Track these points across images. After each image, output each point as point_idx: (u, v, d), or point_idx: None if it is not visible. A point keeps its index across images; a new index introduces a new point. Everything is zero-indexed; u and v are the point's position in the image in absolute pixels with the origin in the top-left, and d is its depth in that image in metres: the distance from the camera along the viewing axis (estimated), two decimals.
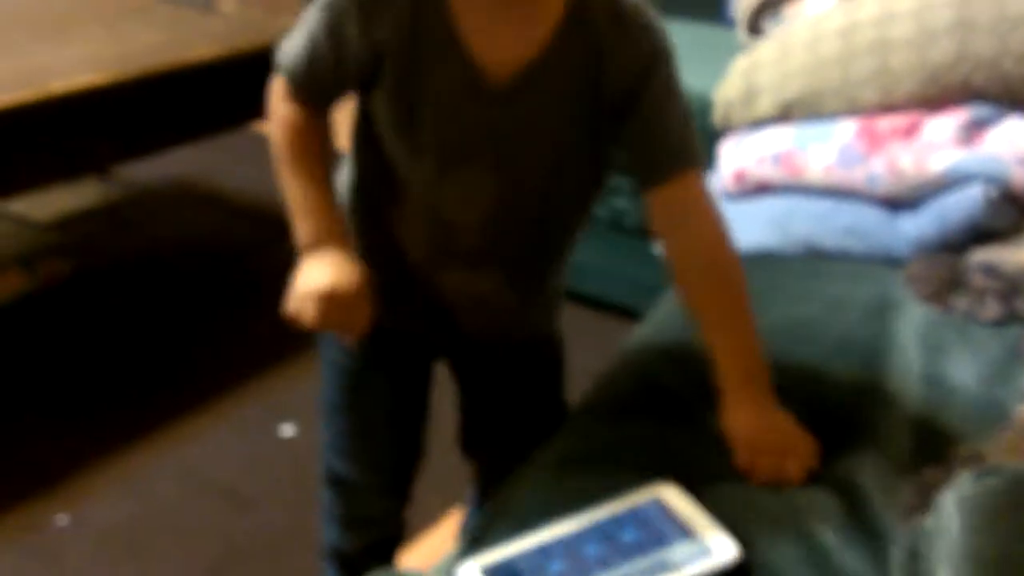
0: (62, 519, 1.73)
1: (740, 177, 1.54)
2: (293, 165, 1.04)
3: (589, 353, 1.37)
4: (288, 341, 2.17)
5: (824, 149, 1.45)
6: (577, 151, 1.02)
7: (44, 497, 1.77)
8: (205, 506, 1.78)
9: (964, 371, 1.16)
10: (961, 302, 1.28)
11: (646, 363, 1.22)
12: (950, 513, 0.76)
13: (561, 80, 0.97)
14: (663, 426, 1.09)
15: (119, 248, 2.46)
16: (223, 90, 2.16)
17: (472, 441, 1.30)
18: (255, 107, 2.24)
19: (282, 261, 2.58)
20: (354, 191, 1.11)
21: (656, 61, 0.98)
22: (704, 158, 1.05)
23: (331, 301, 0.98)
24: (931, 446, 1.05)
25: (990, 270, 1.29)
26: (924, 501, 0.96)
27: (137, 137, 2.06)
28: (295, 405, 2.02)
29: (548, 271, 1.14)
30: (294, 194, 1.04)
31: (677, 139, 1.01)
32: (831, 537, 0.95)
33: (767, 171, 1.51)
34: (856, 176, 1.41)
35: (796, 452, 1.02)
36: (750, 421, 1.02)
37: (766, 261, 1.46)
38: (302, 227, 1.03)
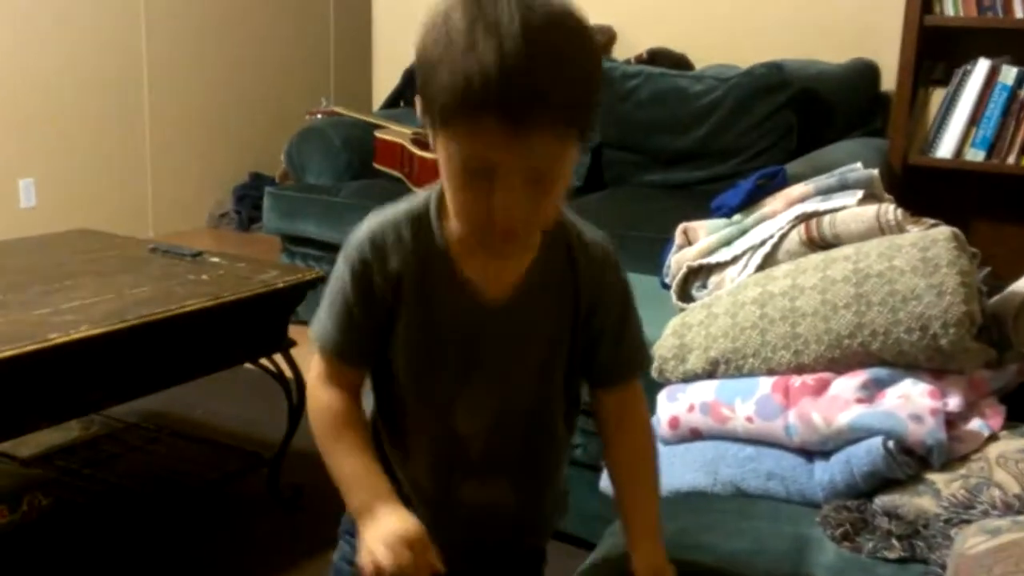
0: None
1: (674, 423, 1.72)
2: (339, 442, 1.17)
3: None
4: (253, 569, 2.29)
5: (745, 402, 1.64)
6: (562, 353, 1.22)
7: None
8: None
9: None
10: (869, 543, 1.44)
11: None
12: None
13: (544, 294, 1.18)
14: None
15: (99, 480, 2.56)
16: (209, 337, 2.34)
17: None
18: (237, 353, 2.46)
19: (255, 491, 2.69)
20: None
21: (618, 276, 1.22)
22: (648, 360, 1.34)
23: (403, 544, 1.06)
24: None
25: (893, 515, 1.46)
26: None
27: (127, 383, 2.21)
28: None
29: (547, 474, 1.31)
30: (343, 467, 1.16)
31: (634, 348, 1.25)
32: None
33: (697, 420, 1.70)
34: (775, 427, 1.60)
35: None
36: (656, 558, 1.22)
37: (699, 500, 1.63)
38: (356, 495, 1.14)
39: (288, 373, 2.57)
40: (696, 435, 1.71)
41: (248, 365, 2.57)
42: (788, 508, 1.56)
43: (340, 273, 1.17)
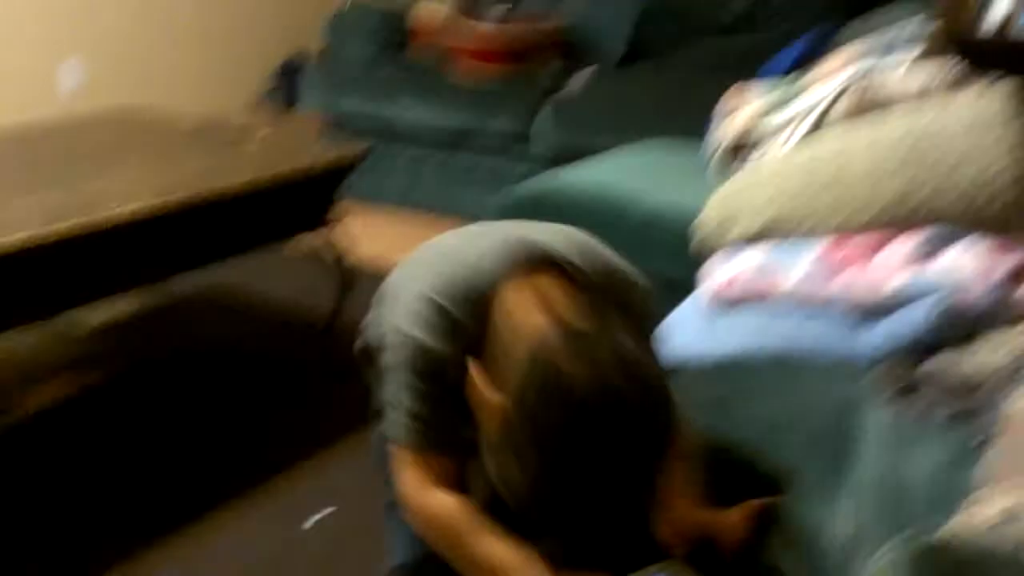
0: None
1: (719, 293, 1.72)
2: (472, 539, 1.11)
3: None
4: (313, 435, 2.35)
5: (794, 268, 1.63)
6: None
7: None
8: None
9: (921, 466, 1.31)
10: (916, 405, 1.44)
11: None
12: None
13: None
14: None
15: (154, 353, 2.63)
16: (260, 211, 2.36)
17: None
18: (289, 225, 2.47)
19: (302, 360, 2.75)
20: None
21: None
22: None
23: None
24: (891, 528, 1.21)
25: (942, 378, 1.46)
26: None
27: (179, 257, 2.25)
28: (325, 496, 2.14)
29: None
30: (488, 562, 1.10)
31: None
32: None
33: (742, 288, 1.69)
34: (823, 292, 1.59)
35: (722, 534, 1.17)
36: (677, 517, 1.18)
37: (742, 366, 1.64)
38: None
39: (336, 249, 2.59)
40: (741, 303, 1.71)
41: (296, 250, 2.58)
42: (834, 373, 1.57)
43: (399, 368, 1.13)
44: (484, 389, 1.04)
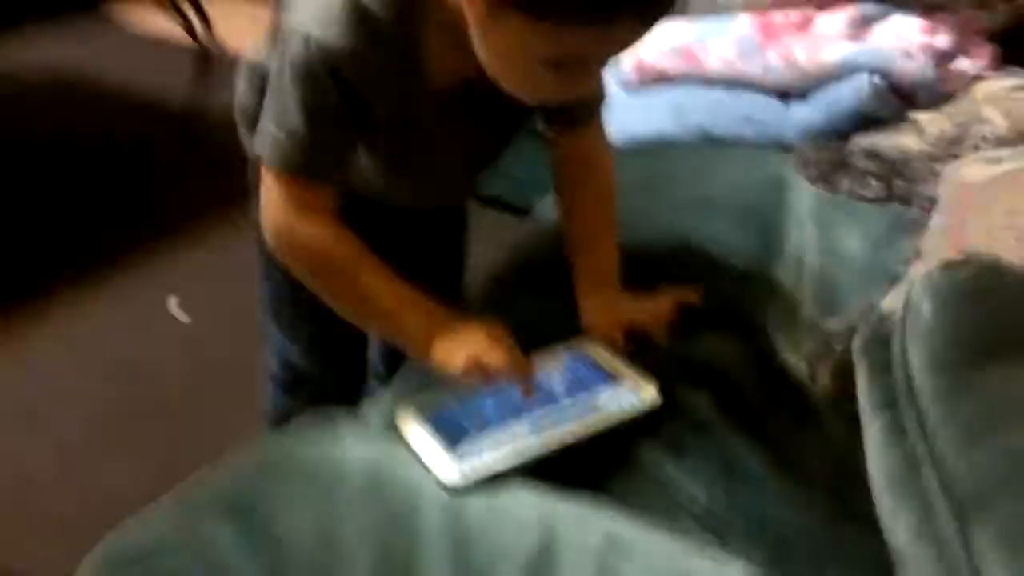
0: None
1: (640, 69, 1.59)
2: (356, 273, 0.96)
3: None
4: (171, 219, 2.17)
5: (722, 41, 1.52)
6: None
7: None
8: (97, 377, 1.76)
9: (852, 242, 1.26)
10: (845, 183, 1.38)
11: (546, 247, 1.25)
12: (920, 299, 0.80)
13: None
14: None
15: None
16: None
17: None
18: None
19: (161, 147, 2.53)
20: None
21: None
22: (604, 91, 1.09)
23: (500, 344, 0.92)
24: (827, 303, 1.16)
25: (872, 154, 1.40)
26: (826, 349, 1.06)
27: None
28: (182, 282, 2.01)
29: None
30: (376, 298, 0.96)
31: (598, 89, 1.07)
32: (739, 377, 1.05)
33: (667, 63, 1.57)
34: (753, 66, 1.49)
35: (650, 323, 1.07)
36: (613, 312, 1.07)
37: (665, 147, 1.54)
38: (411, 322, 0.96)
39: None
40: (663, 79, 1.59)
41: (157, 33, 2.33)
42: (761, 152, 1.49)
43: (292, 84, 0.91)
44: None
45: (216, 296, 1.97)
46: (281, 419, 1.30)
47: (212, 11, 2.66)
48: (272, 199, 0.96)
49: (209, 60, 2.35)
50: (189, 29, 2.32)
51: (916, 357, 0.81)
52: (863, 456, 0.83)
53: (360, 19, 0.89)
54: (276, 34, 1.00)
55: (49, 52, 2.82)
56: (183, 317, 1.94)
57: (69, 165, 2.40)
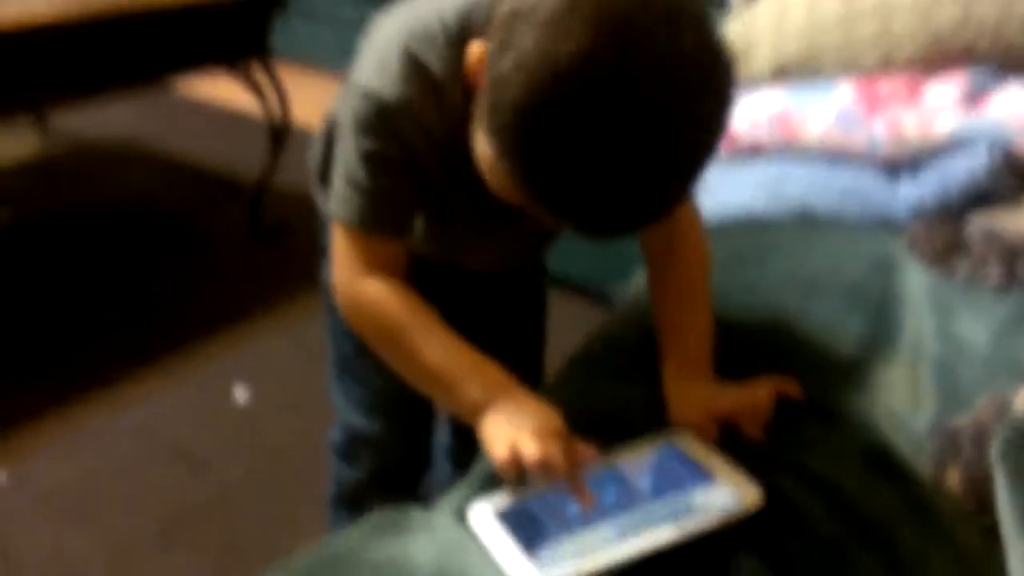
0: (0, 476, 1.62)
1: (732, 140, 1.50)
2: (418, 334, 0.92)
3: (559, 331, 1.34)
4: (238, 302, 2.13)
5: (822, 111, 1.42)
6: None
7: None
8: (155, 467, 1.69)
9: (975, 331, 1.13)
10: (963, 266, 1.25)
11: (629, 332, 1.17)
12: (993, 465, 0.72)
13: None
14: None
15: (61, 200, 2.35)
16: (176, 33, 2.07)
17: None
18: (209, 54, 2.19)
19: (229, 223, 2.53)
20: None
21: None
22: None
23: (552, 435, 0.85)
24: (949, 398, 1.03)
25: (991, 235, 1.27)
26: (954, 451, 0.93)
27: (84, 78, 1.95)
28: (247, 367, 1.94)
29: None
30: (435, 359, 0.92)
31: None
32: (854, 483, 0.92)
33: (760, 133, 1.48)
34: (856, 139, 1.38)
35: (745, 415, 0.96)
36: (703, 400, 0.97)
37: (758, 223, 1.43)
38: (467, 389, 0.90)
39: (269, 92, 2.31)
40: (757, 152, 1.49)
41: (229, 105, 2.32)
42: (864, 230, 1.37)
43: (354, 137, 0.90)
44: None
45: (280, 382, 1.91)
46: (343, 498, 1.28)
47: (288, 86, 2.65)
48: (340, 255, 0.95)
49: (283, 136, 2.32)
50: (264, 104, 2.29)
51: None
52: (1001, 573, 0.71)
53: (416, 73, 0.87)
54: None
55: (121, 123, 2.83)
56: (243, 399, 1.86)
57: (139, 238, 2.38)
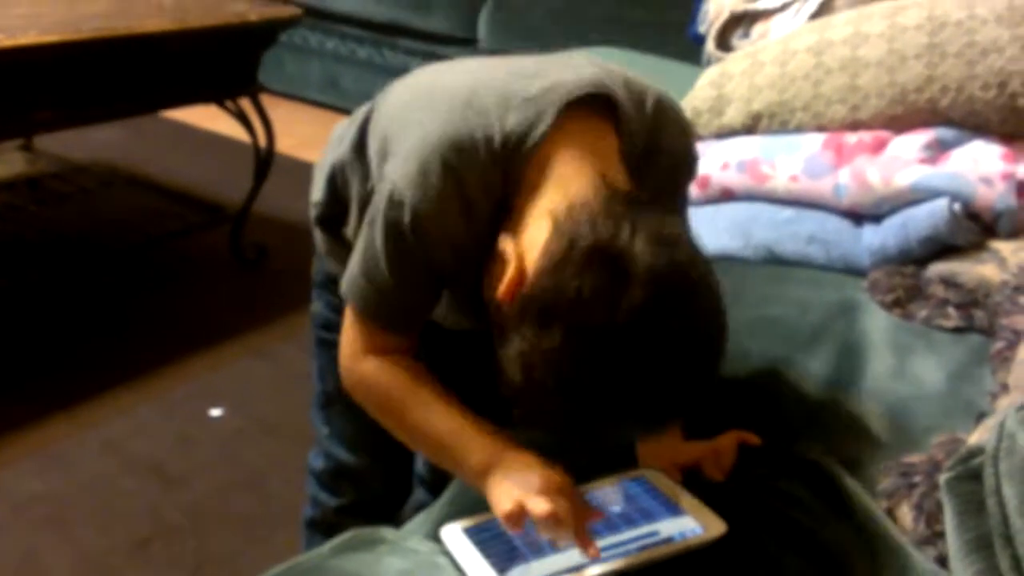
0: None
1: (704, 183, 1.55)
2: (420, 403, 0.96)
3: None
4: (218, 323, 2.16)
5: (790, 159, 1.48)
6: None
7: None
8: (130, 483, 1.70)
9: (931, 372, 1.18)
10: (922, 311, 1.31)
11: None
12: (1016, 431, 0.75)
13: None
14: None
15: (44, 220, 2.36)
16: (169, 67, 2.11)
17: None
18: (201, 89, 2.23)
19: (211, 246, 2.56)
20: None
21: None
22: None
23: (558, 492, 0.87)
24: (904, 436, 1.07)
25: (950, 282, 1.33)
26: (907, 485, 0.98)
27: (77, 106, 1.98)
28: (225, 387, 1.96)
29: None
30: (439, 428, 0.95)
31: None
32: (812, 512, 0.96)
33: (731, 178, 1.53)
34: (822, 186, 1.44)
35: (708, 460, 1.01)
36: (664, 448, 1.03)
37: (728, 264, 1.48)
38: (472, 454, 0.92)
39: (256, 123, 2.35)
40: (728, 196, 1.55)
41: (213, 129, 2.36)
42: (830, 274, 1.42)
43: (382, 239, 0.93)
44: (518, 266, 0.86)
45: (257, 403, 1.93)
46: (320, 522, 1.30)
47: (272, 116, 2.69)
48: (348, 335, 0.99)
49: (267, 165, 2.35)
50: (251, 135, 2.33)
51: (1012, 495, 0.74)
52: None
53: (455, 191, 0.90)
54: (357, 147, 1.05)
55: (106, 144, 2.86)
56: (219, 418, 1.88)
57: (120, 259, 2.40)
